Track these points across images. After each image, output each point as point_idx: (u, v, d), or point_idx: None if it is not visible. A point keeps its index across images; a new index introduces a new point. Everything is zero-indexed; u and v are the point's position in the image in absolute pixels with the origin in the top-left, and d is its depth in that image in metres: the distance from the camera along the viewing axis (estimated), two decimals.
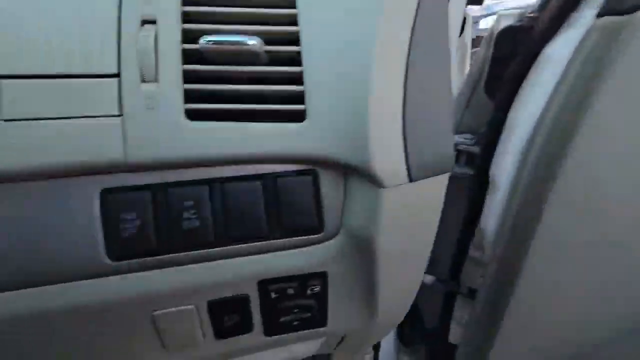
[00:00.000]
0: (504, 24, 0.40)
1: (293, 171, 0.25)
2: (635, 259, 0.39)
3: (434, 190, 0.25)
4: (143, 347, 0.26)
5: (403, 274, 0.28)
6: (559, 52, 0.33)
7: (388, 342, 0.73)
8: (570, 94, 0.31)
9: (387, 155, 0.23)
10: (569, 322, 0.44)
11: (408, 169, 0.23)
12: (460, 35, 0.41)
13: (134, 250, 0.23)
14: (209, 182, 0.24)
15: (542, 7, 0.37)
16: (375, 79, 0.22)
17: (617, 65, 0.29)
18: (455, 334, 0.56)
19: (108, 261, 0.23)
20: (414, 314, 0.69)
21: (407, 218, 0.25)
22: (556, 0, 0.35)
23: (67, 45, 0.22)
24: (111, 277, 0.23)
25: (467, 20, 0.40)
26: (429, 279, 0.54)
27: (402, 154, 0.23)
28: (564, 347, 0.46)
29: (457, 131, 0.53)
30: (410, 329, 0.66)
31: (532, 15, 0.38)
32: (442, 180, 0.25)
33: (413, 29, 0.23)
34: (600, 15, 0.31)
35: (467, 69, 0.48)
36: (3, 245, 0.22)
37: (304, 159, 0.24)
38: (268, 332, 0.29)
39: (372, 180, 0.23)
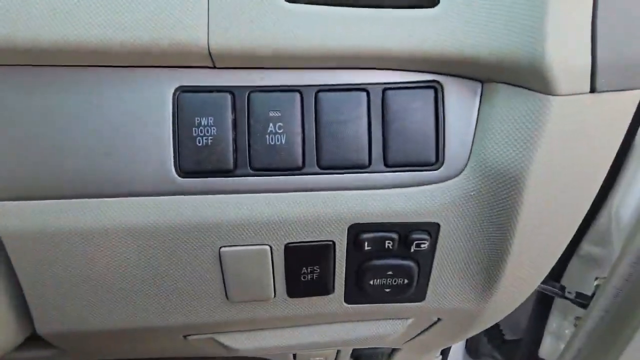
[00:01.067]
0: None
1: (410, 82, 0.19)
2: None
3: (620, 112, 0.17)
4: (203, 292, 0.21)
5: (547, 240, 0.21)
6: None
7: (455, 353, 0.64)
8: None
9: (566, 51, 0.16)
10: None
11: (593, 73, 0.16)
12: None
13: (206, 165, 0.18)
14: (301, 89, 0.19)
15: None
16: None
17: None
18: (548, 349, 0.46)
19: (176, 176, 0.18)
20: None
21: (576, 149, 0.18)
22: None
23: None
24: (177, 197, 0.19)
25: None
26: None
27: (589, 52, 0.16)
28: None
29: None
30: (487, 338, 0.57)
31: None
32: (633, 100, 0.17)
33: None
34: None
35: None
36: (63, 140, 0.18)
37: (433, 58, 0.18)
38: (350, 298, 0.23)
39: (538, 83, 0.16)
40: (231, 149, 0.19)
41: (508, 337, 0.56)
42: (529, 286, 0.25)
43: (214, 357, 0.33)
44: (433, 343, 0.34)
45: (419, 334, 0.30)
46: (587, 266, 0.41)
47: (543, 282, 0.46)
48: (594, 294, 0.39)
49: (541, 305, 0.46)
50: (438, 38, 0.17)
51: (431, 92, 0.19)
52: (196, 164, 0.19)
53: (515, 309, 0.50)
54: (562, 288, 0.44)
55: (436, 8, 0.17)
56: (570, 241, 0.41)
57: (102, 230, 0.19)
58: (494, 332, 0.57)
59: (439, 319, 0.27)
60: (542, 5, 0.15)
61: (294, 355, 0.37)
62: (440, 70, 0.18)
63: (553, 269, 0.45)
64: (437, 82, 0.19)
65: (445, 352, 0.54)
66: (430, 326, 0.28)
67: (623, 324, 0.35)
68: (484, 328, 0.31)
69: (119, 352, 0.27)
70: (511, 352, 0.53)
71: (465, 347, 0.63)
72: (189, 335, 0.25)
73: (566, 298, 0.43)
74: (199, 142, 0.19)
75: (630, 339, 0.34)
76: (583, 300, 0.41)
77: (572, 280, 0.43)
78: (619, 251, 0.36)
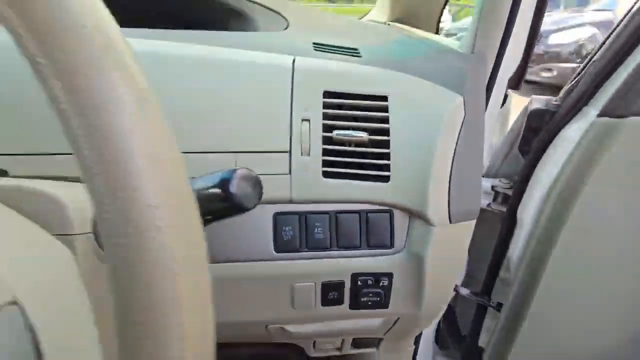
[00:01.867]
0: (535, 105, 0.53)
1: (378, 210, 0.41)
2: (626, 274, 0.51)
3: (465, 229, 0.40)
4: (281, 304, 0.44)
5: (442, 281, 0.44)
6: (570, 135, 0.47)
7: (426, 346, 0.86)
8: (573, 170, 0.44)
9: (436, 207, 0.38)
10: (575, 330, 0.55)
11: (449, 216, 0.39)
12: (502, 107, 0.55)
13: (288, 247, 0.41)
14: (329, 213, 0.41)
15: (563, 99, 0.50)
16: (433, 167, 0.38)
17: (605, 156, 0.42)
18: (484, 339, 0.69)
19: (274, 252, 0.41)
20: (451, 322, 0.81)
21: (447, 246, 0.40)
22: (574, 94, 0.49)
23: (257, 135, 0.40)
24: (273, 262, 0.41)
25: (507, 98, 0.54)
26: (466, 292, 0.68)
27: (446, 207, 0.38)
28: (571, 350, 0.57)
29: (497, 175, 0.66)
30: (448, 334, 0.79)
31: (556, 103, 0.51)
32: (471, 223, 0.40)
33: (458, 137, 0.39)
34: (599, 115, 0.44)
35: (509, 128, 0.61)
36: (217, 238, 0.41)
37: (387, 204, 0.40)
38: (352, 306, 0.45)
39: (426, 221, 0.39)
40: (299, 240, 0.41)
41: (463, 332, 0.79)
42: (440, 306, 0.47)
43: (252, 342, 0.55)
44: (400, 333, 0.56)
45: (389, 328, 0.52)
46: (502, 284, 0.63)
47: (479, 297, 0.69)
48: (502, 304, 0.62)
49: (479, 311, 0.68)
50: (388, 197, 0.39)
51: (388, 215, 0.41)
52: (284, 246, 0.41)
53: (465, 316, 0.73)
54: (489, 300, 0.66)
55: (388, 183, 0.40)
56: (493, 270, 0.64)
57: (226, 279, 0.42)
58: (453, 330, 0.79)
59: (398, 318, 0.49)
60: (425, 191, 0.38)
61: (314, 343, 0.59)
62: (392, 207, 0.41)
63: (486, 289, 0.68)
64: (391, 210, 0.41)
65: (416, 342, 0.76)
66: (395, 322, 0.50)
67: (518, 318, 0.58)
68: (427, 325, 0.53)
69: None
70: (463, 343, 0.75)
71: (435, 341, 0.86)
72: (269, 325, 0.47)
73: (490, 306, 0.66)
74: (284, 238, 0.41)
75: (520, 326, 0.57)
76: (499, 308, 0.64)
77: (496, 294, 0.65)
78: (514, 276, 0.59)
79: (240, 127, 0.39)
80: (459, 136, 0.39)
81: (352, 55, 0.46)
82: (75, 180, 0.33)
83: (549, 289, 0.54)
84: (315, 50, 0.46)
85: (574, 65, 3.64)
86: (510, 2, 0.40)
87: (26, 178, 0.33)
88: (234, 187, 0.24)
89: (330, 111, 0.40)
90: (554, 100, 0.51)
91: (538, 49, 3.67)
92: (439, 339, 0.85)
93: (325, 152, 0.40)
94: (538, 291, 0.54)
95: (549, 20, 3.92)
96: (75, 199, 0.27)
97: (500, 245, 0.59)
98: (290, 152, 0.40)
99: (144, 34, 0.42)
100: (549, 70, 3.70)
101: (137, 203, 0.13)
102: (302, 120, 0.40)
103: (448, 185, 0.38)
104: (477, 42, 0.43)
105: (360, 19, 0.90)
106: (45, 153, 0.36)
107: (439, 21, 0.73)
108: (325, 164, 0.40)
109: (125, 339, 0.14)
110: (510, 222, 0.57)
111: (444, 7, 0.70)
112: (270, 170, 0.39)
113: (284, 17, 0.56)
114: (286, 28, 0.52)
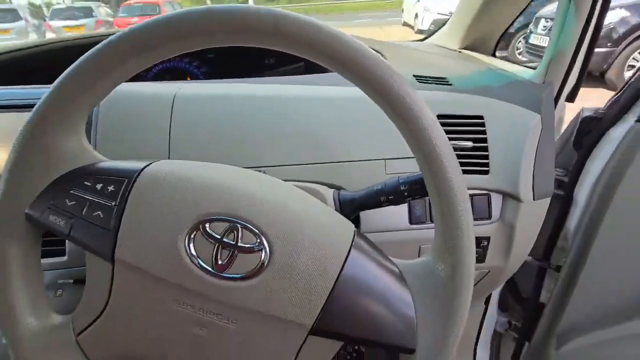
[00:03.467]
0: (586, 113, 0.71)
1: (479, 193, 0.61)
2: None
3: (544, 204, 0.59)
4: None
5: (524, 242, 0.62)
6: (614, 136, 0.64)
7: (493, 307, 1.04)
8: (615, 163, 0.62)
9: (525, 189, 0.57)
10: (622, 285, 0.73)
11: (534, 194, 0.57)
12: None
13: (418, 220, 0.61)
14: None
15: (608, 107, 0.68)
16: (523, 162, 0.57)
17: (638, 155, 0.59)
18: (544, 296, 0.87)
19: (409, 224, 0.61)
20: (513, 286, 1.00)
21: (530, 216, 0.59)
22: (618, 104, 0.66)
23: (397, 147, 0.60)
24: (408, 231, 0.61)
25: (563, 108, 0.72)
26: (529, 258, 0.86)
27: (532, 189, 0.57)
28: (619, 302, 0.75)
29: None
30: (510, 296, 0.98)
31: (602, 111, 0.69)
32: (547, 200, 0.59)
33: (538, 143, 0.57)
34: (637, 121, 0.62)
35: (562, 129, 0.79)
36: (372, 215, 0.61)
37: (486, 189, 0.60)
38: None
39: (517, 199, 0.58)
40: (424, 216, 0.61)
41: (524, 295, 0.97)
42: (520, 261, 0.66)
43: None
44: (482, 288, 0.75)
45: (478, 281, 0.71)
46: (560, 252, 0.81)
47: (540, 261, 0.87)
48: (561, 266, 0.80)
49: (540, 274, 0.87)
50: (488, 185, 0.59)
51: (486, 197, 0.60)
52: (416, 219, 0.61)
53: (527, 280, 0.91)
54: (549, 264, 0.84)
55: (488, 175, 0.59)
56: (552, 239, 0.82)
57: None
58: (515, 292, 0.98)
59: (488, 272, 0.68)
60: (517, 178, 0.57)
61: None
62: (489, 191, 0.60)
63: (546, 255, 0.85)
64: (488, 194, 0.60)
65: (486, 303, 0.95)
66: (484, 276, 0.69)
67: (574, 278, 0.76)
68: (504, 280, 0.72)
69: None
70: (523, 302, 0.94)
71: (497, 306, 1.04)
72: None
73: (551, 268, 0.84)
74: (416, 213, 0.61)
75: (576, 284, 0.75)
76: (558, 270, 0.81)
77: (554, 259, 0.83)
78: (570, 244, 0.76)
79: (388, 141, 0.59)
80: (538, 142, 0.58)
81: (444, 84, 0.66)
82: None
83: (600, 253, 0.72)
84: (417, 81, 0.65)
85: (604, 49, 3.62)
86: (575, 45, 0.58)
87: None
88: None
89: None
90: (600, 109, 0.69)
91: None
92: (501, 304, 1.04)
93: None
94: (591, 254, 0.72)
95: None
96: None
97: (558, 219, 0.77)
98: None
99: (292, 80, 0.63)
100: None
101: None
102: None
103: (532, 174, 0.57)
104: (548, 74, 0.61)
105: (423, 40, 1.09)
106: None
107: (496, 47, 0.92)
108: None
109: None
110: (566, 201, 0.75)
111: (502, 35, 0.88)
112: (408, 170, 0.59)
113: (382, 54, 0.76)
114: None
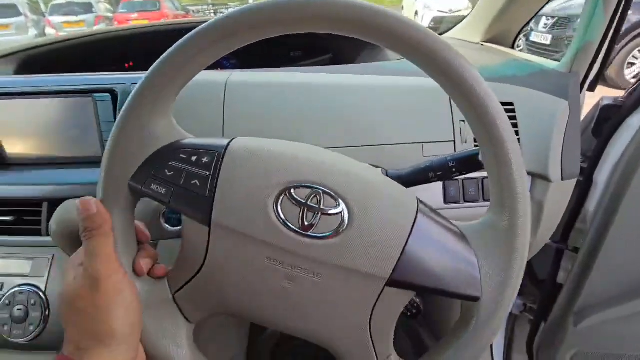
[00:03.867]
0: (606, 101, 0.75)
1: None
2: None
3: (571, 184, 0.63)
4: None
5: (552, 218, 0.67)
6: (633, 123, 0.69)
7: None
8: (633, 149, 0.67)
9: (554, 170, 0.62)
10: (636, 267, 0.78)
11: (562, 174, 0.62)
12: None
13: (452, 200, 0.65)
14: (477, 178, 0.65)
15: (627, 97, 0.72)
16: (552, 145, 0.62)
17: None
18: (561, 277, 0.92)
19: (443, 204, 0.65)
20: (529, 267, 1.04)
21: (558, 195, 0.64)
22: (636, 93, 0.71)
23: (434, 131, 0.65)
24: (442, 210, 0.66)
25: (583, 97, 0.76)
26: (547, 241, 0.90)
27: (560, 170, 0.62)
28: (634, 282, 0.79)
29: None
30: (527, 276, 1.02)
31: (622, 99, 0.73)
32: (574, 180, 0.63)
33: (566, 127, 0.62)
34: None
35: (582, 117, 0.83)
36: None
37: None
38: None
39: (546, 179, 0.62)
40: (459, 196, 0.65)
41: (541, 277, 1.02)
42: (548, 236, 0.70)
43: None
44: None
45: None
46: (579, 233, 0.86)
47: (558, 243, 0.92)
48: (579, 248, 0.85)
49: (557, 255, 0.91)
50: None
51: None
52: (450, 199, 0.65)
53: (544, 263, 0.96)
54: (567, 245, 0.89)
55: None
56: (571, 221, 0.87)
57: None
58: (531, 273, 1.02)
59: None
60: (547, 159, 0.61)
61: None
62: None
63: (564, 236, 0.90)
64: None
65: None
66: None
67: (593, 259, 0.81)
68: (534, 253, 0.76)
69: None
70: (539, 283, 0.98)
71: None
72: None
73: (568, 249, 0.88)
74: (450, 194, 0.65)
75: (594, 265, 0.79)
76: (575, 251, 0.86)
77: (572, 241, 0.88)
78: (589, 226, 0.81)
79: (424, 127, 0.64)
80: (566, 127, 0.62)
81: None
82: None
83: (618, 235, 0.76)
84: None
85: None
86: (601, 37, 0.62)
87: None
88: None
89: None
90: (620, 98, 0.73)
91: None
92: None
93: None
94: (609, 236, 0.76)
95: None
96: None
97: (577, 201, 0.81)
98: (454, 141, 0.64)
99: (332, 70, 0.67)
100: None
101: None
102: (460, 120, 0.64)
103: (561, 157, 0.62)
104: (575, 64, 0.65)
105: (442, 34, 1.13)
106: None
107: (515, 39, 0.96)
108: (476, 146, 0.64)
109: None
110: (586, 184, 0.79)
111: (523, 28, 0.92)
112: (443, 153, 0.64)
113: None
114: None
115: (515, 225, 0.36)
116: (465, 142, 0.63)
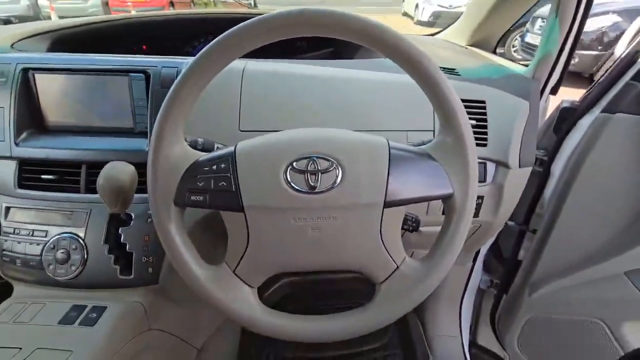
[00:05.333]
0: (565, 104, 0.88)
1: (479, 162, 0.77)
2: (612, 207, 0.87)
3: (527, 171, 0.76)
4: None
5: (510, 201, 0.80)
6: (584, 123, 0.82)
7: (478, 265, 1.23)
8: (583, 145, 0.80)
9: (513, 158, 0.74)
10: (585, 237, 0.92)
11: (519, 163, 0.74)
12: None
13: None
14: None
15: (581, 101, 0.85)
16: (513, 138, 0.74)
17: (602, 137, 0.77)
18: (521, 255, 1.06)
19: None
20: (496, 246, 1.18)
21: (516, 179, 0.76)
22: (588, 98, 0.83)
23: (417, 121, 0.77)
24: None
25: (547, 99, 0.89)
26: (511, 224, 1.04)
27: (518, 158, 0.75)
28: (584, 248, 0.93)
29: (537, 147, 1.02)
30: (493, 255, 1.16)
31: (577, 103, 0.86)
32: (529, 169, 0.76)
33: (526, 123, 0.74)
34: (602, 111, 0.79)
35: (546, 117, 0.96)
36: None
37: (483, 158, 0.76)
38: None
39: (506, 166, 0.75)
40: None
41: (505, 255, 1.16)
42: (506, 217, 0.83)
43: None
44: (473, 242, 0.93)
45: (472, 235, 0.89)
46: (538, 217, 0.99)
47: (521, 225, 1.05)
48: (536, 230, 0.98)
49: (520, 236, 1.05)
50: (486, 154, 0.75)
51: (483, 165, 0.77)
52: None
53: (509, 243, 1.10)
54: (527, 227, 1.03)
55: (486, 147, 0.75)
56: (531, 206, 1.00)
57: None
58: (497, 252, 1.17)
59: (480, 225, 0.85)
60: (507, 149, 0.74)
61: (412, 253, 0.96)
62: (487, 160, 0.77)
63: (526, 220, 1.04)
64: (484, 162, 0.77)
65: (474, 261, 1.13)
66: (477, 229, 0.86)
67: (547, 237, 0.94)
68: (493, 235, 0.90)
69: None
70: (504, 260, 1.13)
71: (483, 266, 1.23)
72: None
73: (529, 231, 1.02)
74: None
75: (548, 242, 0.93)
76: (534, 232, 1.00)
77: (532, 224, 1.01)
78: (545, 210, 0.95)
79: (408, 117, 0.75)
80: (526, 123, 0.75)
81: (454, 74, 0.82)
82: None
83: (567, 217, 0.90)
84: None
85: (595, 52, 3.82)
86: (558, 50, 0.74)
87: None
88: None
89: None
90: (576, 101, 0.86)
91: None
92: (485, 265, 1.23)
93: None
94: (560, 218, 0.90)
95: None
96: None
97: (537, 189, 0.95)
98: (433, 130, 0.76)
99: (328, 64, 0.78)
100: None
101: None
102: None
103: (519, 147, 0.74)
104: (536, 71, 0.78)
105: (435, 35, 1.24)
106: None
107: (496, 45, 1.08)
108: None
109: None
110: (545, 175, 0.93)
111: (505, 34, 1.04)
112: (425, 139, 0.76)
113: None
114: None
115: (461, 134, 0.46)
116: None
